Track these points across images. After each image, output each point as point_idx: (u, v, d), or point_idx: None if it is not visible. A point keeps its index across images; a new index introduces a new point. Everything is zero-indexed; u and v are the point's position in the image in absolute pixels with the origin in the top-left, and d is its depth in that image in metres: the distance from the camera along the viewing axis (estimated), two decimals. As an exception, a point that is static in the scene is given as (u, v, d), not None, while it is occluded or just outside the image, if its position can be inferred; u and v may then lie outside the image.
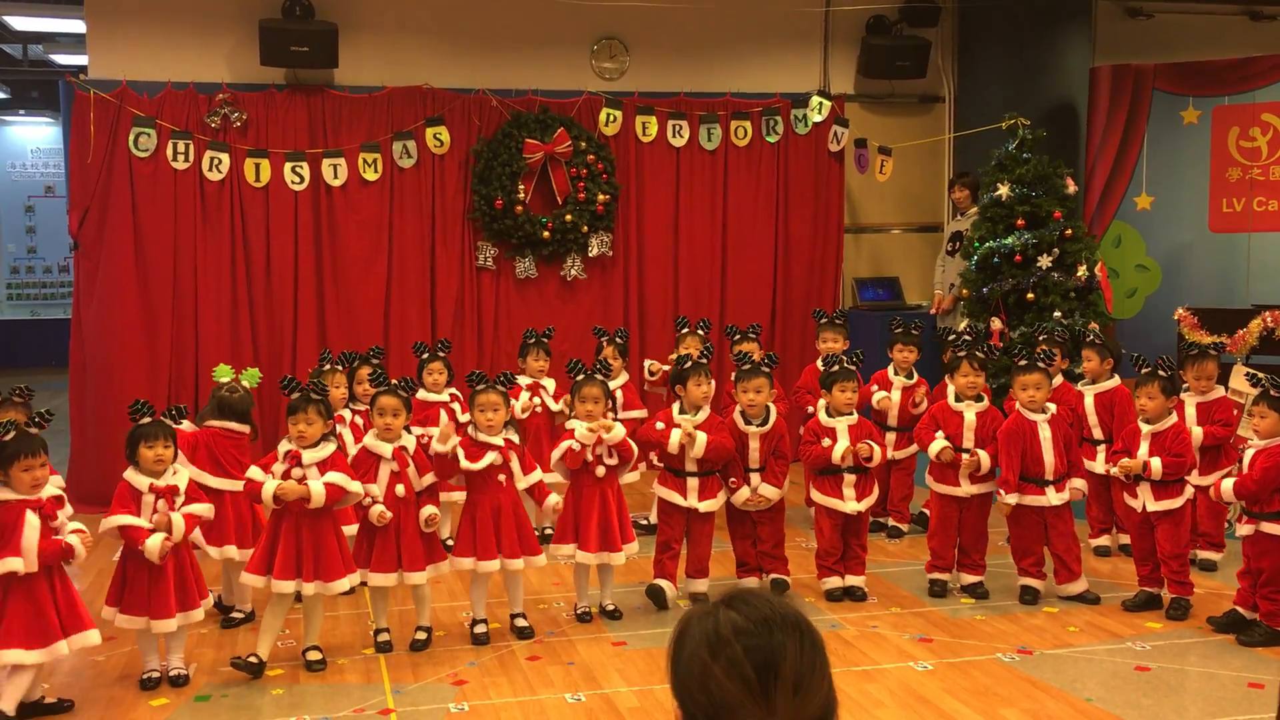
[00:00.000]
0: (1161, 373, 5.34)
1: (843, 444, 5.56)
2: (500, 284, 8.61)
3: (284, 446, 4.97)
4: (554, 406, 6.78)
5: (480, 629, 5.14)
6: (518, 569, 5.17)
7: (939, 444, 5.60)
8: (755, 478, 5.64)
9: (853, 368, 5.73)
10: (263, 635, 4.80)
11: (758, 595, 1.56)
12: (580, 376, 5.44)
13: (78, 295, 8.01)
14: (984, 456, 5.57)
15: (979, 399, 5.77)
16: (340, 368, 6.15)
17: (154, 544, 4.50)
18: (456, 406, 6.53)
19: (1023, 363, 5.68)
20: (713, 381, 5.74)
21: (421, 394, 6.35)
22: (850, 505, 5.61)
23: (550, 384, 6.85)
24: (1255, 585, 5.01)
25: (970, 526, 5.70)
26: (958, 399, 5.76)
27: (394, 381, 5.20)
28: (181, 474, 4.73)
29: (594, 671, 4.78)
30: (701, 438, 5.46)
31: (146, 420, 4.70)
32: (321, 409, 4.87)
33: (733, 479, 5.64)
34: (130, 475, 4.64)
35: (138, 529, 4.54)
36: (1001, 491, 5.52)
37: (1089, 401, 6.22)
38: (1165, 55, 9.19)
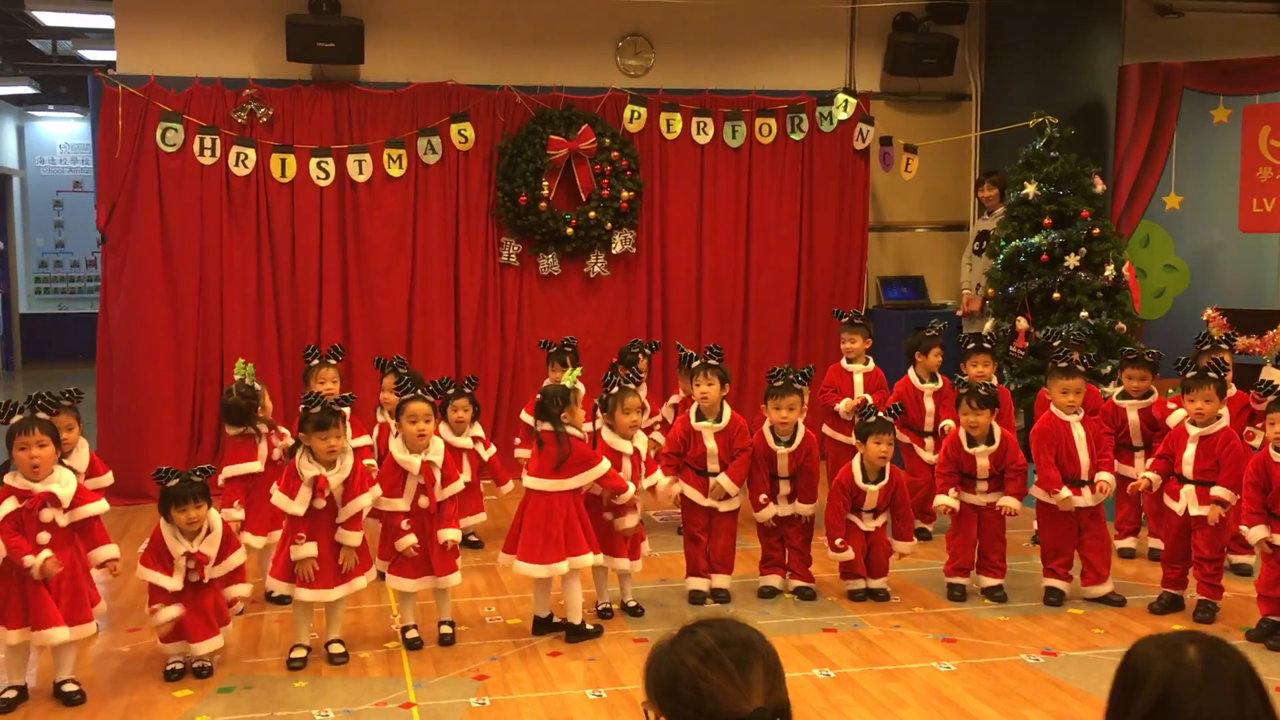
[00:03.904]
0: (1212, 375, 5.26)
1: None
2: (523, 280, 8.61)
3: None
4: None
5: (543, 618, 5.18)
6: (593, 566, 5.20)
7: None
8: (784, 484, 5.61)
9: (890, 420, 5.60)
10: (298, 628, 4.89)
11: (728, 619, 1.93)
12: (615, 389, 5.34)
13: (105, 289, 8.07)
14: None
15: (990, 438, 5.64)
16: (333, 361, 6.09)
17: (165, 617, 4.56)
18: (479, 448, 6.29)
19: (1063, 365, 5.61)
20: (715, 383, 5.56)
21: (443, 432, 5.85)
22: (867, 524, 5.60)
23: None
24: None
25: (988, 529, 5.65)
26: (971, 443, 5.61)
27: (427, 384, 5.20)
28: (216, 530, 4.67)
29: (614, 667, 4.78)
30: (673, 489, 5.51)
31: (174, 483, 4.59)
32: (345, 420, 4.88)
33: (763, 496, 5.60)
34: (168, 536, 4.59)
35: (160, 592, 4.58)
36: (1050, 491, 5.46)
37: (1133, 417, 6.14)
38: (1195, 54, 9.10)
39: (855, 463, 5.60)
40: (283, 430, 5.71)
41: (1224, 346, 5.97)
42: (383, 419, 6.41)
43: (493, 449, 6.51)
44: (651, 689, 1.87)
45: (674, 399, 7.04)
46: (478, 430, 6.34)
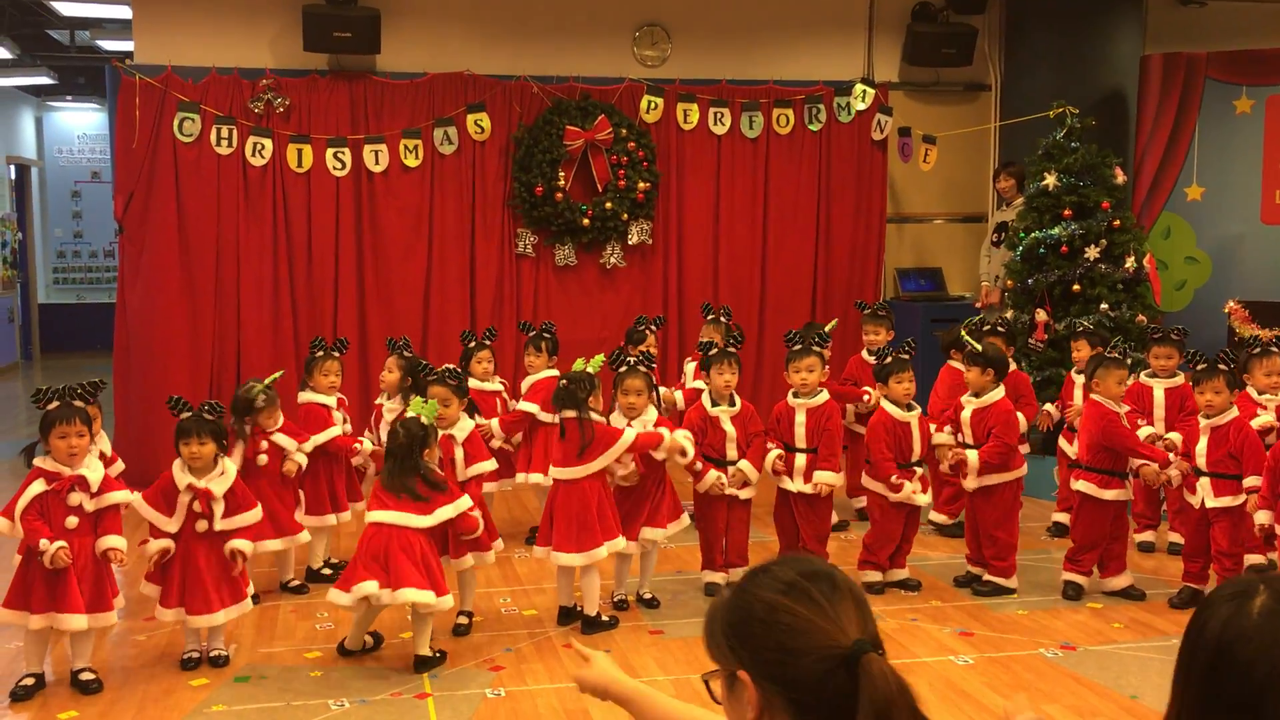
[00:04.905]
0: (1222, 366, 5.24)
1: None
2: (540, 271, 8.60)
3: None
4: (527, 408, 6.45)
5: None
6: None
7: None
8: (801, 458, 5.52)
9: (906, 357, 5.59)
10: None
11: (802, 556, 1.73)
12: (623, 369, 5.34)
13: (122, 279, 8.09)
14: (972, 456, 5.50)
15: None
16: (337, 354, 6.08)
17: (153, 549, 4.55)
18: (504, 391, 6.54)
19: (1115, 355, 5.57)
20: (735, 371, 5.53)
21: (472, 383, 6.24)
22: (921, 498, 5.53)
23: (526, 383, 6.62)
24: None
25: (981, 519, 5.57)
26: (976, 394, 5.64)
27: (440, 370, 5.18)
28: (228, 474, 4.69)
29: (631, 659, 4.76)
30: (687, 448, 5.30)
31: (186, 415, 4.66)
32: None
33: (771, 441, 5.53)
34: (176, 470, 4.63)
35: (153, 530, 4.59)
36: (1163, 467, 5.36)
37: (1159, 395, 6.10)
38: (1218, 43, 9.01)
39: (885, 404, 5.56)
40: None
41: (1273, 349, 5.85)
42: (379, 401, 6.35)
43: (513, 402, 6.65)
44: (721, 640, 1.63)
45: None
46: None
